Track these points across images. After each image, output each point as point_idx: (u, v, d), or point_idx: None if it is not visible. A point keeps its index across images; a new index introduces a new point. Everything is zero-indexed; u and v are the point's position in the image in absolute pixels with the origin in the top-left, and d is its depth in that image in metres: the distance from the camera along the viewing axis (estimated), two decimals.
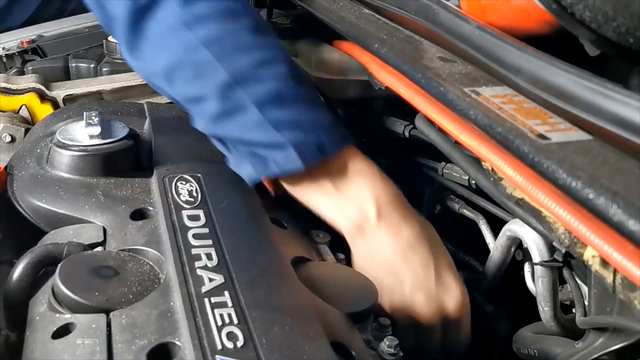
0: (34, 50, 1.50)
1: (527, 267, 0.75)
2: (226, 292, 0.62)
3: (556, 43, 0.62)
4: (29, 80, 1.26)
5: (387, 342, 0.63)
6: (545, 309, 0.68)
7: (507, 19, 0.66)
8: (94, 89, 1.27)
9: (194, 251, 0.67)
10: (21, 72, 1.36)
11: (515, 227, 0.74)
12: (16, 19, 1.64)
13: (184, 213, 0.74)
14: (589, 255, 0.50)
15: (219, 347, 0.55)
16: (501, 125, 0.55)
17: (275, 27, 1.00)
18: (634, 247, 0.43)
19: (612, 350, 0.59)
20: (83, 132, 0.81)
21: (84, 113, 0.82)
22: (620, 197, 0.45)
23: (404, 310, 0.73)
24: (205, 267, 0.65)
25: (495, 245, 0.81)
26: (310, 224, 0.82)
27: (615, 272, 0.50)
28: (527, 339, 0.71)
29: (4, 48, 1.49)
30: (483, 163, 0.62)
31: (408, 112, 0.76)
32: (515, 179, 0.53)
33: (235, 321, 0.58)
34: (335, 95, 0.90)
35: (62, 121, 0.91)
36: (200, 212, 0.75)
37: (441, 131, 0.69)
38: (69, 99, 1.26)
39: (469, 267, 0.87)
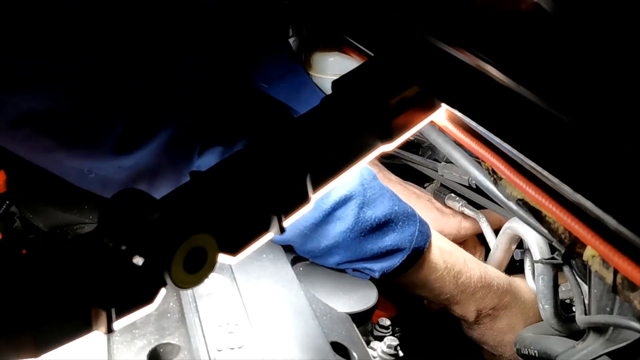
0: None
1: (527, 265, 0.75)
2: (227, 292, 0.62)
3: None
4: None
5: (387, 342, 0.63)
6: (545, 307, 0.68)
7: None
8: None
9: None
10: None
11: (516, 225, 0.74)
12: None
13: None
14: (589, 255, 0.50)
15: (219, 347, 0.55)
16: None
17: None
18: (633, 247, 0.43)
19: (612, 350, 0.58)
20: None
21: None
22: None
23: None
24: None
25: (496, 243, 0.81)
26: None
27: (615, 272, 0.49)
28: (527, 339, 0.70)
29: None
30: (482, 163, 0.61)
31: None
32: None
33: (236, 321, 0.58)
34: None
35: None
36: None
37: (441, 132, 0.69)
38: None
39: None
